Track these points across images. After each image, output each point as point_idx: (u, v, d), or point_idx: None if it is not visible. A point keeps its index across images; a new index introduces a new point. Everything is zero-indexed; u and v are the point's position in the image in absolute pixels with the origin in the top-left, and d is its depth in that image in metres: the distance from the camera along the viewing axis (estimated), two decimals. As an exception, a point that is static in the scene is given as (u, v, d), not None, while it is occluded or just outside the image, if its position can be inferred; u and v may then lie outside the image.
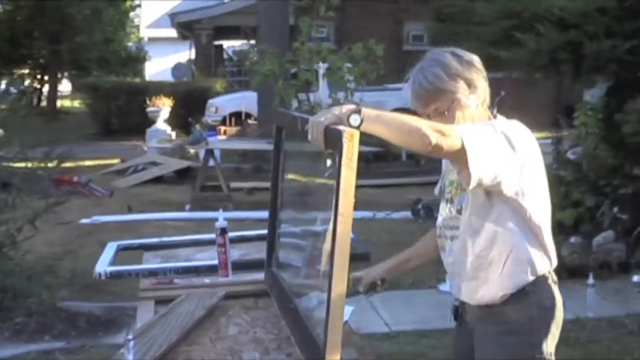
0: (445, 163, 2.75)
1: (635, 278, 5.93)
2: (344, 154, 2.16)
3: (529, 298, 2.56)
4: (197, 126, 11.75)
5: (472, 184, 2.37)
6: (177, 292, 3.32)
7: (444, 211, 2.72)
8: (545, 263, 2.58)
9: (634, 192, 7.82)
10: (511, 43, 6.26)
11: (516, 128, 2.53)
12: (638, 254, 7.05)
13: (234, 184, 11.30)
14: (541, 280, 2.58)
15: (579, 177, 7.77)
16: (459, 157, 2.34)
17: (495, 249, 2.54)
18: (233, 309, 3.19)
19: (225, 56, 26.13)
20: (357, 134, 2.16)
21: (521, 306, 2.56)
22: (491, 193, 2.48)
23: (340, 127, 2.23)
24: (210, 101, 18.57)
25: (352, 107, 2.26)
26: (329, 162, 2.38)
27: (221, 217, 3.54)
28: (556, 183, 7.77)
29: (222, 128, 15.62)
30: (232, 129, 16.46)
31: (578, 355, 4.98)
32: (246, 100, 16.81)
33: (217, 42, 25.02)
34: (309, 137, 2.30)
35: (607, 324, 5.61)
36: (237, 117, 17.33)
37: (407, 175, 12.74)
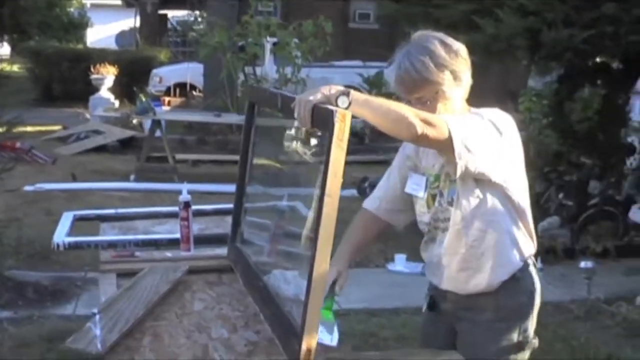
0: (425, 159, 2.72)
1: (582, 264, 6.02)
2: (335, 134, 2.14)
3: (519, 284, 2.61)
4: (142, 96, 11.57)
5: (459, 172, 2.40)
6: (139, 265, 3.26)
7: (432, 205, 2.66)
8: (531, 248, 2.65)
9: (579, 179, 7.97)
10: (470, 27, 6.27)
11: (501, 115, 2.54)
12: (583, 240, 7.17)
13: (178, 156, 11.17)
14: (527, 266, 2.64)
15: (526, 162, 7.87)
16: (446, 146, 2.36)
17: (488, 238, 2.57)
18: (197, 284, 3.15)
19: (169, 26, 25.81)
20: (349, 114, 2.15)
21: (512, 293, 2.61)
22: (481, 182, 2.49)
23: (331, 107, 2.21)
24: (155, 71, 18.32)
25: (341, 88, 2.25)
26: (313, 141, 2.35)
27: (185, 190, 3.49)
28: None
29: (166, 99, 15.44)
30: (177, 100, 16.29)
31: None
32: (191, 72, 16.63)
33: (162, 12, 24.67)
34: (295, 114, 2.27)
35: (553, 309, 5.68)
36: (182, 88, 17.15)
37: (352, 153, 12.67)
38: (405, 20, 6.83)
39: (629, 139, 8.05)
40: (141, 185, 9.63)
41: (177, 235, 3.55)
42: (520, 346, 2.64)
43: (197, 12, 20.13)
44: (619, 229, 7.42)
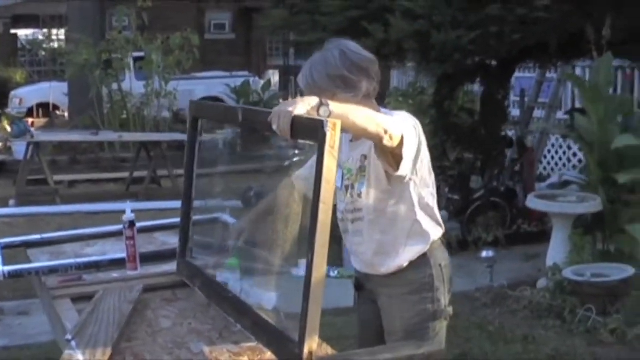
0: (342, 154, 2.80)
1: (483, 253, 6.27)
2: (327, 143, 2.21)
3: (426, 259, 2.85)
4: (7, 119, 11.21)
5: (403, 172, 2.62)
6: (91, 288, 3.23)
7: (344, 197, 2.89)
8: (438, 231, 2.90)
9: (461, 173, 8.29)
10: (359, 33, 6.41)
11: (414, 118, 2.72)
12: (474, 231, 7.46)
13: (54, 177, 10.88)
14: (435, 245, 2.89)
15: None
16: (395, 148, 2.54)
17: (398, 226, 2.82)
18: (154, 302, 3.15)
19: (19, 45, 24.98)
20: (339, 123, 2.22)
21: (421, 268, 2.85)
22: (392, 176, 2.68)
23: (319, 117, 2.28)
24: (13, 92, 17.75)
25: (316, 99, 2.35)
26: (296, 151, 2.43)
27: (128, 209, 3.47)
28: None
29: (30, 120, 14.98)
30: (41, 121, 15.84)
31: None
32: (53, 91, 16.18)
33: (15, 31, 23.85)
34: (274, 127, 2.33)
35: (462, 299, 5.89)
36: (44, 109, 16.68)
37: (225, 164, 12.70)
38: (293, 29, 6.93)
39: (509, 133, 8.45)
40: (22, 209, 9.34)
41: (120, 256, 3.54)
42: (435, 315, 2.86)
43: (46, 31, 19.56)
44: (506, 218, 7.77)
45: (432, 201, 2.87)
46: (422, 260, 2.85)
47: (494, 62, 7.61)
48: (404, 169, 2.62)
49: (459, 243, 7.26)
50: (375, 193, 2.77)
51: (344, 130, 2.26)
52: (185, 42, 13.69)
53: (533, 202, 6.07)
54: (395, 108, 11.59)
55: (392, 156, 2.59)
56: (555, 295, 5.50)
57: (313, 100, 2.33)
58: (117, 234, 4.16)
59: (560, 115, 10.10)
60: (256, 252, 3.14)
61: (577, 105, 9.44)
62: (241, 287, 3.01)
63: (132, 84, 14.32)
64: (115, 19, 14.36)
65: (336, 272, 6.54)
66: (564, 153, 10.48)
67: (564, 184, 8.04)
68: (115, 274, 3.43)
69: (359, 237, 2.89)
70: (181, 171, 11.70)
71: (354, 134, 2.57)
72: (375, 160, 2.69)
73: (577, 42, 6.41)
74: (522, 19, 6.14)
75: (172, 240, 4.07)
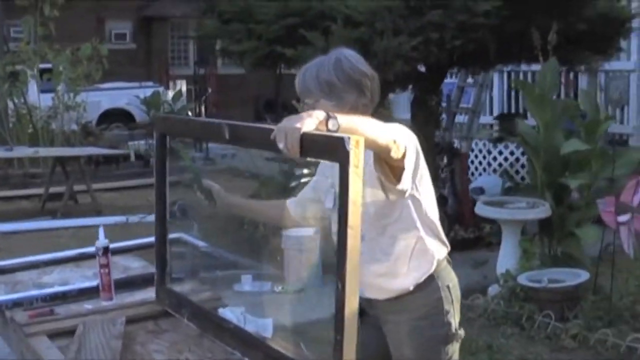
0: (330, 172, 2.73)
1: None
2: (351, 162, 2.06)
3: (434, 282, 2.72)
4: None
5: (404, 185, 2.47)
6: (68, 322, 3.00)
7: None
8: (443, 249, 2.76)
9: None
10: (296, 41, 6.29)
11: (408, 130, 2.59)
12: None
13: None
14: (441, 265, 2.75)
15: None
16: (398, 160, 2.41)
17: (401, 244, 2.68)
18: (139, 335, 2.95)
19: None
20: (362, 140, 2.07)
21: (428, 291, 2.72)
22: (392, 191, 2.54)
23: (330, 132, 2.14)
24: None
25: (322, 112, 2.21)
26: (305, 171, 2.28)
27: (101, 233, 3.23)
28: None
29: None
30: None
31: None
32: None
33: None
34: (280, 145, 2.17)
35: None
36: None
37: (138, 177, 12.40)
38: (227, 37, 6.73)
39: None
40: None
41: (90, 284, 3.32)
42: (447, 339, 2.75)
43: None
44: (444, 225, 7.72)
45: (435, 218, 2.74)
46: (429, 283, 2.71)
47: (422, 68, 7.58)
48: (405, 182, 2.47)
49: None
50: (375, 210, 2.61)
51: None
52: (95, 53, 13.31)
53: (482, 209, 6.04)
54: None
55: (393, 169, 2.45)
56: (511, 302, 5.46)
57: (320, 114, 2.18)
58: (74, 260, 3.95)
59: (486, 119, 10.17)
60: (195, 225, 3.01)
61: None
62: (243, 316, 2.84)
63: (39, 97, 13.81)
64: (21, 30, 13.85)
65: (280, 287, 6.40)
66: (484, 157, 10.57)
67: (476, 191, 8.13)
68: (88, 305, 3.20)
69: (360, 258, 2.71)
70: (100, 185, 11.33)
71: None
72: (371, 176, 2.52)
73: (518, 47, 6.42)
74: (462, 24, 6.10)
75: (134, 265, 3.87)
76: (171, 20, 22.43)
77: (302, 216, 2.98)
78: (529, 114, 7.86)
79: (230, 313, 2.88)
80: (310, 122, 2.15)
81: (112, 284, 3.22)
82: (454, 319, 2.76)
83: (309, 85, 2.64)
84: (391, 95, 9.79)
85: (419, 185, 2.62)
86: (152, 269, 3.50)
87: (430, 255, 2.71)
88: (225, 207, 3.02)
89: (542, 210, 5.79)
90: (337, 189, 2.66)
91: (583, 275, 5.35)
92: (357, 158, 2.06)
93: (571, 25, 6.31)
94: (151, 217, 10.03)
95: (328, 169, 2.78)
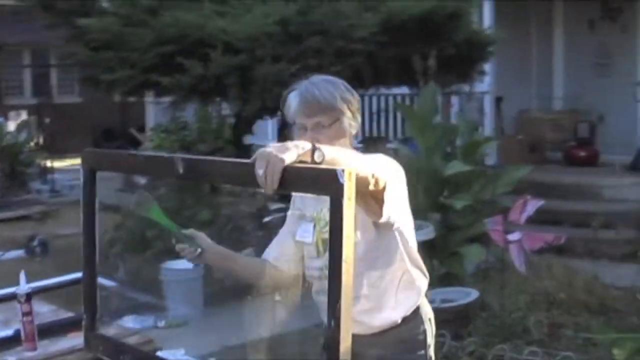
0: (312, 206, 2.66)
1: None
2: (345, 195, 1.99)
3: (419, 315, 2.68)
4: None
5: (385, 218, 2.40)
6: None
7: (321, 253, 2.63)
8: (425, 282, 2.71)
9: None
10: (172, 69, 6.16)
11: (394, 161, 2.56)
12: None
13: None
14: (424, 298, 2.71)
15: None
16: (380, 191, 2.33)
17: (388, 277, 2.60)
18: (73, 387, 2.76)
19: None
20: (354, 172, 2.01)
21: (414, 324, 2.66)
22: (380, 226, 2.49)
23: (331, 167, 2.06)
24: None
25: (307, 143, 2.07)
26: (275, 206, 2.20)
27: (23, 279, 3.01)
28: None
29: None
30: None
31: None
32: None
33: None
34: (259, 172, 1.98)
35: (298, 335, 5.78)
36: None
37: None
38: (100, 66, 6.49)
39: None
40: None
41: (6, 333, 3.10)
42: None
43: None
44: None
45: (416, 248, 2.68)
46: (414, 316, 2.65)
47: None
48: (386, 215, 2.40)
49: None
50: (363, 244, 2.52)
51: None
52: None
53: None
54: (160, 145, 11.42)
55: (375, 201, 2.38)
56: (404, 323, 5.51)
57: (306, 145, 2.04)
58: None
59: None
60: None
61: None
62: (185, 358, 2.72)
63: None
64: None
65: (163, 322, 6.21)
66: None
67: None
68: (11, 357, 2.98)
69: None
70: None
71: None
72: (358, 208, 2.48)
73: (394, 71, 6.55)
74: (340, 51, 6.17)
75: (42, 309, 3.63)
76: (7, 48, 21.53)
77: (287, 266, 2.77)
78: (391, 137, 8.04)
79: (172, 356, 2.75)
80: (294, 152, 2.00)
81: (36, 333, 3.01)
82: (433, 351, 2.71)
83: (335, 104, 2.55)
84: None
85: (403, 216, 2.56)
86: (64, 314, 3.33)
87: (416, 287, 2.66)
88: (212, 255, 2.69)
89: (427, 231, 5.87)
90: (315, 221, 2.63)
91: (473, 294, 5.47)
92: (351, 190, 2.00)
93: (443, 50, 6.49)
94: (10, 254, 9.48)
95: (298, 201, 2.70)
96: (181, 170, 2.36)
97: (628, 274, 6.28)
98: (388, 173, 2.38)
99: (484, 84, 8.97)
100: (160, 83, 6.23)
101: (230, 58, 5.97)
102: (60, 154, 14.86)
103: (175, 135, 12.68)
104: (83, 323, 2.97)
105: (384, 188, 2.33)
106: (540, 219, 6.08)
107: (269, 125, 11.40)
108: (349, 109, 2.58)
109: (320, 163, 2.07)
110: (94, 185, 2.87)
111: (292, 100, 2.62)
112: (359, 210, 2.45)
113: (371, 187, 2.26)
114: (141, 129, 18.17)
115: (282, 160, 1.97)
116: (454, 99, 9.16)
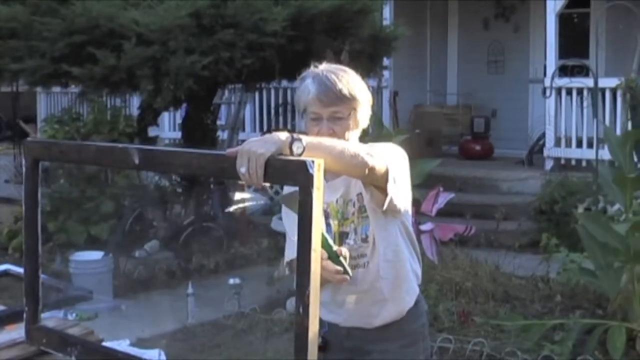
0: (328, 197, 2.58)
1: (230, 281, 6.18)
2: (314, 185, 2.05)
3: (419, 307, 2.69)
4: None
5: (386, 205, 2.40)
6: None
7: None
8: (421, 271, 2.72)
9: (162, 201, 8.18)
10: (82, 59, 6.07)
11: (399, 148, 2.58)
12: (193, 259, 7.33)
13: None
14: (420, 289, 2.73)
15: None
16: (379, 178, 2.34)
17: (397, 267, 2.60)
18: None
19: None
20: (322, 163, 2.06)
21: (415, 317, 2.67)
22: (387, 213, 2.49)
23: (302, 158, 2.10)
24: None
25: (285, 134, 2.08)
26: (240, 196, 2.23)
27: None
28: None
29: None
30: None
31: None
32: None
33: None
34: (242, 170, 2.02)
35: (212, 327, 5.81)
36: None
37: None
38: (9, 56, 6.30)
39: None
40: None
41: None
42: None
43: None
44: (222, 242, 7.73)
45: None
46: (416, 308, 2.66)
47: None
48: (392, 193, 2.37)
49: (167, 274, 7.08)
50: (380, 233, 2.52)
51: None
52: None
53: (277, 224, 6.14)
54: (54, 136, 11.16)
55: (379, 190, 2.38)
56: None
57: (283, 135, 2.05)
58: None
59: (242, 136, 10.31)
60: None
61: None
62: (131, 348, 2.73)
63: None
64: None
65: (73, 315, 6.12)
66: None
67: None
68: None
69: (353, 285, 2.54)
70: None
71: (331, 171, 2.29)
72: (368, 199, 2.46)
73: (302, 65, 6.60)
74: (251, 44, 6.20)
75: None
76: None
77: None
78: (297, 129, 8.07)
79: (118, 346, 2.76)
80: (273, 145, 2.02)
81: (-26, 326, 2.96)
82: (429, 344, 2.76)
83: (354, 94, 2.47)
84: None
85: (406, 205, 2.55)
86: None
87: (416, 277, 2.66)
88: None
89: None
90: (332, 215, 2.57)
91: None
92: (320, 181, 2.05)
93: (351, 45, 6.60)
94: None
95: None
96: (137, 161, 2.36)
97: (527, 264, 6.55)
98: (389, 160, 2.38)
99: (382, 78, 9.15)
100: (70, 73, 6.11)
101: (143, 49, 5.92)
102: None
103: (69, 127, 12.46)
104: (24, 316, 2.95)
105: (386, 176, 2.34)
106: (444, 211, 6.25)
107: (166, 117, 11.29)
108: (366, 100, 2.53)
109: (300, 154, 2.08)
110: (36, 176, 2.82)
111: (310, 87, 2.49)
112: (370, 201, 2.46)
113: (367, 175, 2.28)
114: (27, 119, 17.71)
115: (264, 155, 1.99)
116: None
